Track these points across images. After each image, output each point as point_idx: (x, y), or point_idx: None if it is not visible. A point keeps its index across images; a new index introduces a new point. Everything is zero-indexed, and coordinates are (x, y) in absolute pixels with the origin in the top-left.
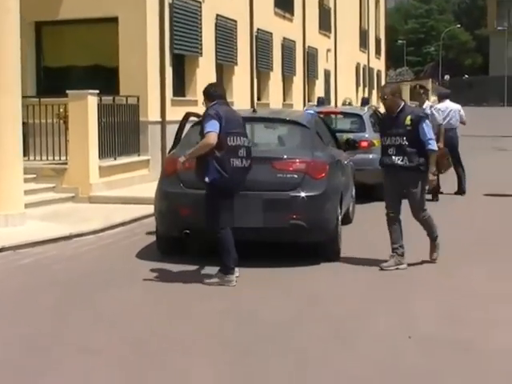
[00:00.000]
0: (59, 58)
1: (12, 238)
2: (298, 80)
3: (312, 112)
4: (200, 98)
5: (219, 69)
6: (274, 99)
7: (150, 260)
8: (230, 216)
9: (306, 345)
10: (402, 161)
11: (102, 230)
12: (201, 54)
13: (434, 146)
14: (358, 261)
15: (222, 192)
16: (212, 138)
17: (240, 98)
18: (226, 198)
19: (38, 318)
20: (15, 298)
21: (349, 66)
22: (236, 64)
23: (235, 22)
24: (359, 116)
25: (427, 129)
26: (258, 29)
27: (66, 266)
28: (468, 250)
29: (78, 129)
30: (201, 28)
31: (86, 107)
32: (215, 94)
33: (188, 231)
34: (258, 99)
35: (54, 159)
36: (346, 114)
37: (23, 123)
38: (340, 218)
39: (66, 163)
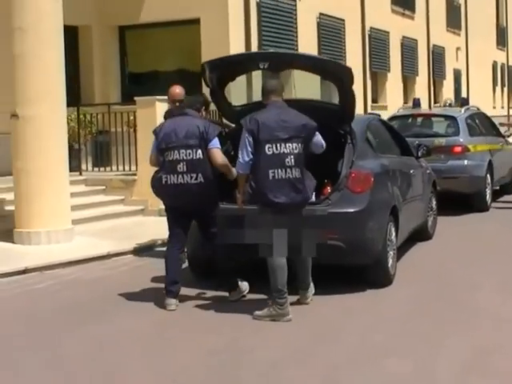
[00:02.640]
0: (143, 62)
1: (44, 257)
2: (421, 80)
3: (373, 116)
4: None
5: None
6: (393, 101)
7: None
8: (180, 237)
9: None
10: None
11: (148, 248)
12: None
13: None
14: (411, 288)
15: (170, 211)
16: (149, 160)
17: None
18: (177, 217)
19: None
20: None
21: (483, 65)
22: None
23: (343, 20)
24: (453, 118)
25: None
26: (372, 27)
27: (77, 293)
28: None
29: (146, 137)
30: (296, 28)
31: (154, 114)
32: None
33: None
34: (374, 101)
35: (124, 170)
36: (439, 117)
37: (105, 132)
38: (394, 237)
39: (135, 174)
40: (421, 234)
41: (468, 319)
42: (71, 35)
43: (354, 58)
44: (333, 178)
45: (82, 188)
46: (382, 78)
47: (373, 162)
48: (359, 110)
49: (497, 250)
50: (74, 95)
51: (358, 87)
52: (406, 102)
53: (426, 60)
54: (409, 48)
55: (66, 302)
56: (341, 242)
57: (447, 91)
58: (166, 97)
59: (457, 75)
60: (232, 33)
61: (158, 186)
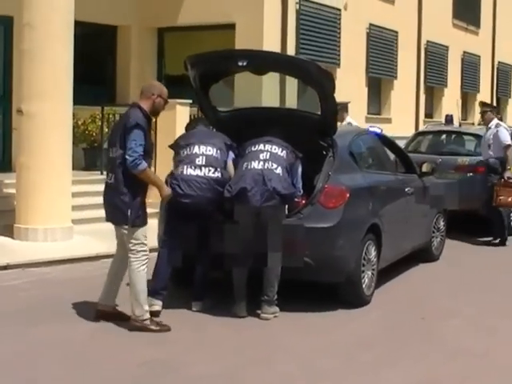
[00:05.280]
0: (179, 65)
1: (32, 254)
2: (482, 98)
3: (376, 131)
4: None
5: (374, 82)
6: None
7: None
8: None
9: None
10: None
11: None
12: (338, 65)
13: None
14: (385, 312)
15: None
16: None
17: (402, 114)
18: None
19: None
20: None
21: None
22: (395, 78)
23: (396, 32)
24: (480, 137)
25: None
26: (428, 41)
27: (44, 292)
28: None
29: (165, 140)
30: (339, 38)
31: (174, 117)
32: None
33: None
34: (429, 116)
35: None
36: (466, 135)
37: None
38: (374, 257)
39: None
40: (424, 255)
41: (426, 350)
42: (110, 35)
43: (406, 71)
44: (311, 191)
45: (100, 187)
46: (439, 93)
47: (353, 177)
48: (410, 123)
49: (498, 284)
50: (108, 94)
51: (410, 101)
52: (464, 118)
53: (490, 77)
54: (470, 64)
55: (27, 301)
56: (309, 258)
57: None
58: (188, 100)
59: None
60: (267, 40)
61: None
